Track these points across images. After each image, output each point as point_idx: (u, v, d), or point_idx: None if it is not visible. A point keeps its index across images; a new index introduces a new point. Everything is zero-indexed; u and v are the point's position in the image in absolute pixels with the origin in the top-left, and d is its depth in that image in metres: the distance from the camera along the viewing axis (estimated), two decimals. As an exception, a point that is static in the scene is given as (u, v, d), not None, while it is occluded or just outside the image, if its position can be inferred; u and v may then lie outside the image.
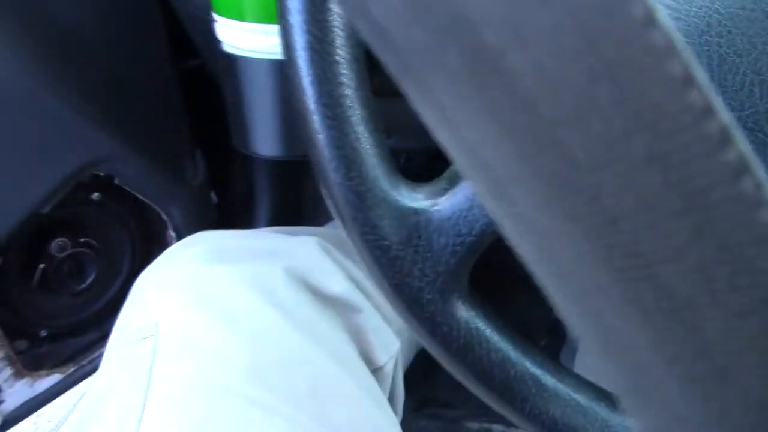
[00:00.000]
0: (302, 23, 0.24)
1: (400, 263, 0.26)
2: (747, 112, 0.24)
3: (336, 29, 0.25)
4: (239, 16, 0.41)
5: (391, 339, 0.42)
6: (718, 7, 0.24)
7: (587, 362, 0.70)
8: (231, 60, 0.43)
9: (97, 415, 0.32)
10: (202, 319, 0.33)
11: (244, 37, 0.41)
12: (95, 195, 0.60)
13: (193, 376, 0.31)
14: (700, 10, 0.24)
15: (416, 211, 0.26)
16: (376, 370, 0.41)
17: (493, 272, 0.46)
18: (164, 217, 0.63)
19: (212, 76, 0.72)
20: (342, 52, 0.25)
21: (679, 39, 0.07)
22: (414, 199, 0.26)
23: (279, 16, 0.25)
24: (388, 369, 0.41)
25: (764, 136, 0.24)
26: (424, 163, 0.76)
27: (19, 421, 0.62)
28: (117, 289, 0.67)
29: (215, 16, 0.43)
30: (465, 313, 0.27)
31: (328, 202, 0.27)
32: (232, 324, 0.33)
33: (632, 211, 0.08)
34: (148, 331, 0.33)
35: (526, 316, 0.78)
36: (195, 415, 0.29)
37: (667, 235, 0.08)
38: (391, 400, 0.43)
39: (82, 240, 0.61)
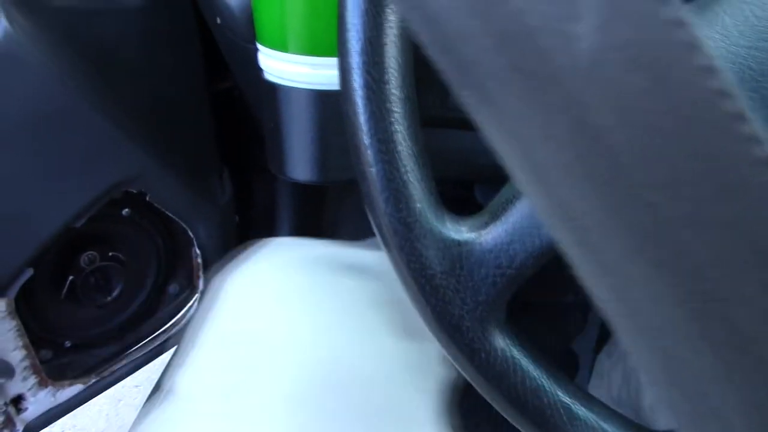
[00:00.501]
0: (361, 64, 0.26)
1: (443, 292, 0.27)
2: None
3: (392, 70, 0.26)
4: (282, 47, 0.43)
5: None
6: (751, 64, 0.26)
7: (600, 390, 0.71)
8: (271, 88, 0.45)
9: (187, 414, 0.33)
10: (290, 331, 0.34)
11: (286, 67, 0.43)
12: (125, 211, 0.62)
13: (280, 388, 0.32)
14: (734, 66, 0.26)
15: (459, 243, 0.28)
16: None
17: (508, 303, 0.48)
18: (190, 234, 0.65)
19: (241, 99, 0.74)
20: (397, 92, 0.26)
21: (761, 127, 0.09)
22: (458, 231, 0.28)
23: (339, 55, 0.27)
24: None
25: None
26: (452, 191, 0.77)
27: (39, 429, 0.64)
28: (140, 303, 0.68)
29: (258, 46, 0.45)
30: (502, 341, 0.28)
31: (376, 231, 0.28)
32: (319, 337, 0.34)
33: (713, 264, 0.09)
34: (237, 339, 0.34)
35: (540, 345, 0.79)
36: (281, 426, 0.31)
37: (743, 284, 0.09)
38: None
39: (111, 254, 0.63)
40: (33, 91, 0.49)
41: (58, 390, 0.63)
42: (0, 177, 0.50)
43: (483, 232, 0.28)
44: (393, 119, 0.26)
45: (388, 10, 0.26)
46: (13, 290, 0.55)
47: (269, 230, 0.81)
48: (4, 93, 0.48)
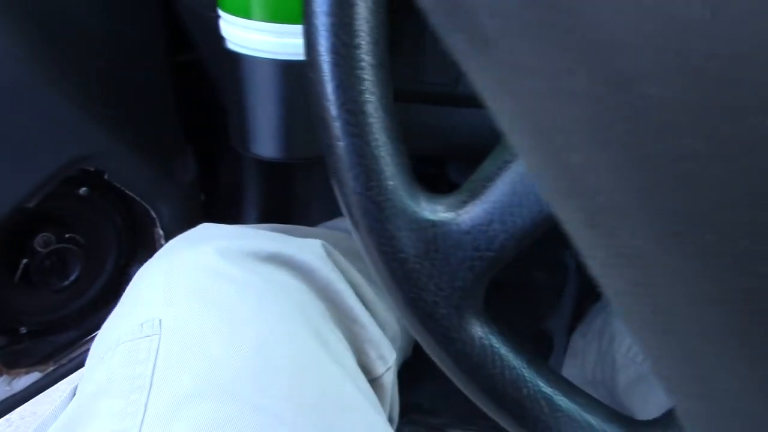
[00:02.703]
0: (329, 26, 0.24)
1: (416, 276, 0.25)
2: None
3: (362, 33, 0.24)
4: (246, 14, 0.40)
5: (389, 351, 0.41)
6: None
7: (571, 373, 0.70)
8: (234, 58, 0.42)
9: (91, 412, 0.30)
10: (208, 322, 0.32)
11: (249, 36, 0.40)
12: (82, 190, 0.59)
13: (199, 381, 0.30)
14: None
15: (434, 224, 0.25)
16: (373, 380, 0.40)
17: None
18: (153, 214, 0.62)
19: (204, 72, 0.71)
20: (368, 57, 0.24)
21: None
22: (433, 211, 0.26)
23: (304, 17, 0.24)
24: (386, 380, 0.41)
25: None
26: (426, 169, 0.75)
27: (-5, 419, 0.61)
28: (100, 287, 0.65)
29: (220, 12, 0.42)
30: (480, 329, 0.26)
31: (344, 211, 0.26)
32: (239, 328, 0.32)
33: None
34: (151, 330, 0.32)
35: (512, 326, 0.78)
36: (201, 420, 0.28)
37: None
38: (389, 408, 0.43)
39: (67, 235, 0.60)
40: (-22, 62, 0.46)
41: (13, 378, 0.60)
42: (-57, 153, 0.47)
43: (460, 212, 0.26)
44: (364, 88, 0.24)
45: (358, -32, 0.24)
46: (-38, 274, 0.51)
47: (236, 210, 0.78)
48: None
